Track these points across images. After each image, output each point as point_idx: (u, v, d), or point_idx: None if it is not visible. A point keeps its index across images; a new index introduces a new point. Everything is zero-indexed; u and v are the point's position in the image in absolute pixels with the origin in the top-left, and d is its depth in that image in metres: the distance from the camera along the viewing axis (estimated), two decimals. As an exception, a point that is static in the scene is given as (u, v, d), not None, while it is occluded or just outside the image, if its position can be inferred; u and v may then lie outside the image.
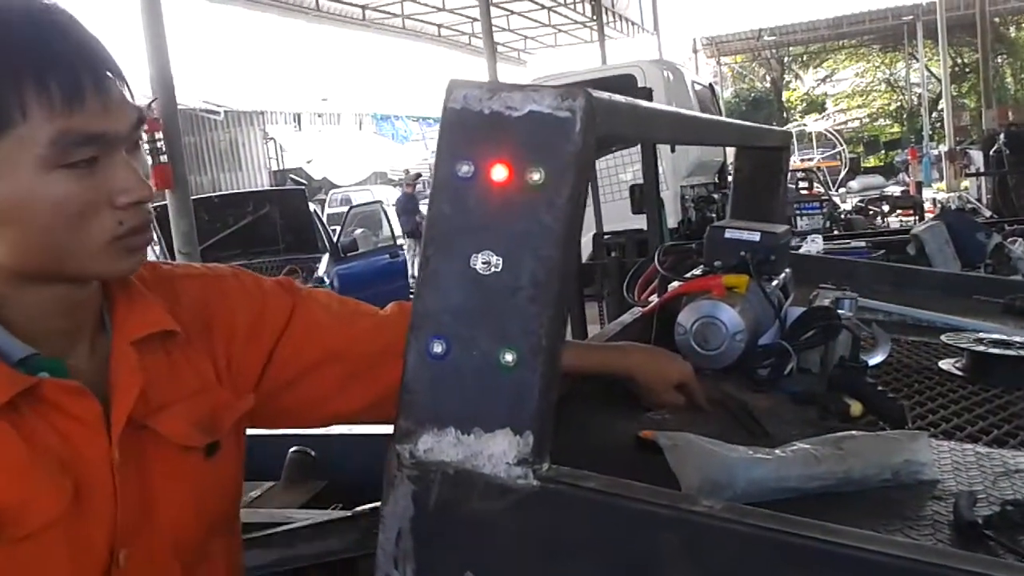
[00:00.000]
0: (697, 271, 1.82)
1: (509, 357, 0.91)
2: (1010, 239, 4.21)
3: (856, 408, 1.43)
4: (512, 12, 25.24)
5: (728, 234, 1.73)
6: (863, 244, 6.37)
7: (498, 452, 0.91)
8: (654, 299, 1.80)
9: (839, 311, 1.70)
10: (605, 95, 0.92)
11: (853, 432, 1.21)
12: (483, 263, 0.92)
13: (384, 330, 1.29)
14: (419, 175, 21.41)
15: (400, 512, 0.95)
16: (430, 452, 0.94)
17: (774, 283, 1.71)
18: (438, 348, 0.94)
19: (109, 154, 1.00)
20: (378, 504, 1.93)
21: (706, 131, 1.61)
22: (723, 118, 2.03)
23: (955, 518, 1.02)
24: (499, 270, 0.92)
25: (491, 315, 0.92)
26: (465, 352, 0.93)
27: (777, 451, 1.13)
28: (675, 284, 1.73)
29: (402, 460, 0.95)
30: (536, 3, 25.02)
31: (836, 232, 11.60)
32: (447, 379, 0.94)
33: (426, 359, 0.94)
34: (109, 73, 0.99)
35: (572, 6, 25.93)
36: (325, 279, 9.62)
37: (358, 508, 1.97)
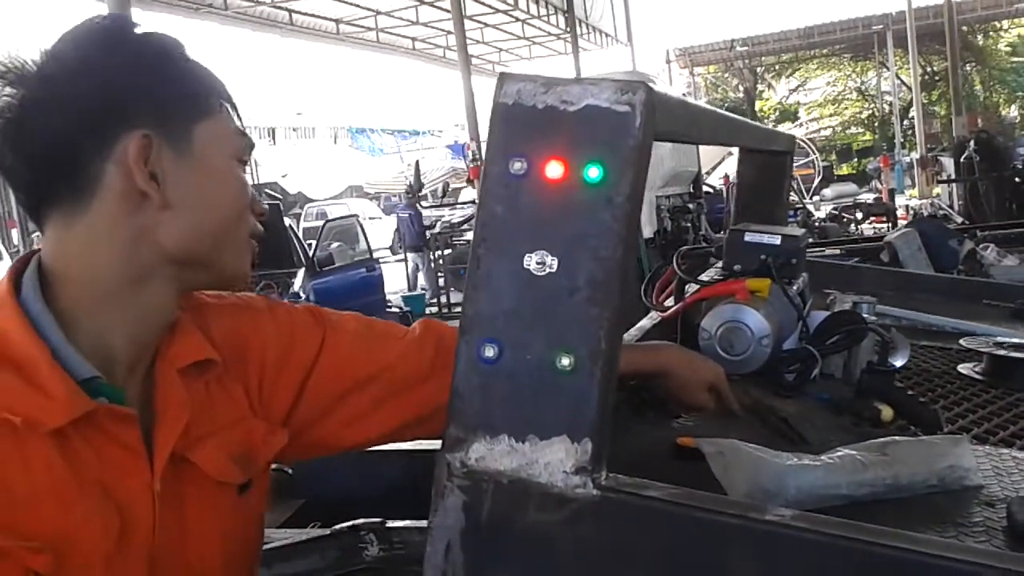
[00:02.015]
0: (714, 273, 1.79)
1: (566, 361, 0.87)
2: (982, 245, 4.20)
3: (887, 413, 1.41)
4: (486, 25, 25.30)
5: (748, 237, 1.70)
6: (838, 252, 6.36)
7: (555, 460, 0.87)
8: (670, 303, 1.77)
9: (861, 315, 1.68)
10: (660, 89, 0.89)
11: (896, 438, 1.18)
12: (538, 263, 0.88)
13: (414, 353, 1.27)
14: (421, 187, 20.19)
15: (450, 524, 0.90)
16: (482, 461, 0.90)
17: (794, 287, 1.68)
18: (490, 352, 0.90)
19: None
20: (357, 522, 1.91)
21: (734, 131, 1.59)
22: (746, 119, 2.01)
23: (1010, 524, 1.00)
24: (555, 271, 0.88)
25: (547, 317, 0.88)
26: (519, 356, 0.89)
27: (824, 457, 1.10)
28: (693, 288, 1.70)
29: (452, 470, 0.90)
30: (510, 16, 25.07)
31: (811, 240, 11.61)
32: (500, 384, 0.90)
33: (477, 363, 0.90)
34: None
35: (546, 18, 26.02)
36: (301, 294, 9.52)
37: (337, 526, 1.94)
